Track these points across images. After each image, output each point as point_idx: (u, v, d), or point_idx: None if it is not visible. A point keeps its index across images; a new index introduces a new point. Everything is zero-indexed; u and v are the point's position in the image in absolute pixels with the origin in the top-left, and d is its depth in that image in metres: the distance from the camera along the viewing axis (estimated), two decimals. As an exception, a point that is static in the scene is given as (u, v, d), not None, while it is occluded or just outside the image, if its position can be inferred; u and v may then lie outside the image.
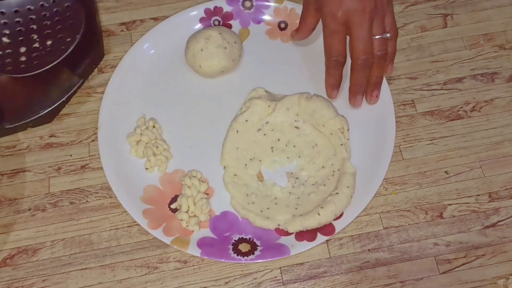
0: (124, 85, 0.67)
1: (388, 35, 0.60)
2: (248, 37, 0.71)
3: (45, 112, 0.65)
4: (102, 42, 0.71)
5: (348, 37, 0.60)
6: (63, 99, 0.66)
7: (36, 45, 0.65)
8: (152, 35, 0.70)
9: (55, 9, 0.67)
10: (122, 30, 0.72)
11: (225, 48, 0.66)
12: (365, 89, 0.63)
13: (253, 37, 0.71)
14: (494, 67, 0.69)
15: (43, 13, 0.66)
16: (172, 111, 0.67)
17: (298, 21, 0.70)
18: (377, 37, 0.59)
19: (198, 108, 0.67)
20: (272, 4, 0.71)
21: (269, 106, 0.64)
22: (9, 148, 0.65)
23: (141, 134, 0.64)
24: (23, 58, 0.65)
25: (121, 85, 0.67)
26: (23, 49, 0.65)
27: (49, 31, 0.65)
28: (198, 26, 0.71)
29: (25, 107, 0.65)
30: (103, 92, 0.67)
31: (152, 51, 0.69)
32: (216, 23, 0.71)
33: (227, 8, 0.71)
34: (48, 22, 0.66)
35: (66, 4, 0.67)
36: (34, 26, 0.66)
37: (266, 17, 0.71)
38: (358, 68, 0.60)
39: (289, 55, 0.69)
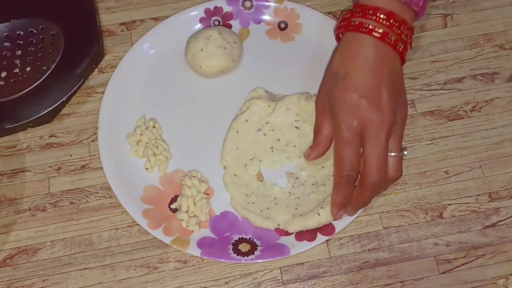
0: (124, 85, 0.67)
1: (406, 153, 0.55)
2: (248, 37, 0.71)
3: (45, 112, 0.65)
4: (102, 42, 0.71)
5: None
6: (63, 99, 0.66)
7: (17, 70, 0.66)
8: (152, 35, 0.69)
9: (41, 36, 0.68)
10: (122, 30, 0.72)
11: (225, 48, 0.66)
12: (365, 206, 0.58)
13: (253, 37, 0.71)
14: (494, 67, 0.69)
15: (30, 39, 0.67)
16: (172, 111, 0.66)
17: (298, 21, 0.70)
18: (392, 154, 0.53)
19: (198, 108, 0.67)
20: (272, 4, 0.71)
21: (269, 106, 0.64)
22: (9, 148, 0.65)
23: (141, 134, 0.64)
24: (1, 83, 0.66)
25: (121, 85, 0.67)
26: (3, 74, 0.66)
27: (31, 57, 0.67)
28: (198, 26, 0.71)
29: (25, 107, 0.65)
30: (103, 92, 0.67)
31: (152, 51, 0.69)
32: (216, 23, 0.71)
33: (227, 8, 0.71)
34: (33, 49, 0.67)
35: (52, 32, 0.67)
36: (19, 52, 0.67)
37: (266, 17, 0.71)
38: (368, 186, 0.53)
39: (289, 55, 0.69)
